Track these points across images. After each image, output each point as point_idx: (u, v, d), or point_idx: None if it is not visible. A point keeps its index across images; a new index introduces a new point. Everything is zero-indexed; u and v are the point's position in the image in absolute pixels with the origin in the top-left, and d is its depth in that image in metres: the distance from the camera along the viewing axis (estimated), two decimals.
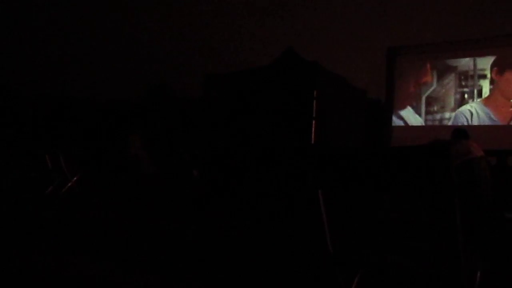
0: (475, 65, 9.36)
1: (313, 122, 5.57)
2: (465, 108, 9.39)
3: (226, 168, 6.28)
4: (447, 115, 9.56)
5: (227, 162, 6.32)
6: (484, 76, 9.30)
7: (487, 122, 9.08)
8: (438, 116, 9.65)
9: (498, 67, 9.11)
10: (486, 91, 9.25)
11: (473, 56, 9.39)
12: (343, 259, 2.28)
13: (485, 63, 9.27)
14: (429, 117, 9.75)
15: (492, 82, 9.18)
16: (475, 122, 9.16)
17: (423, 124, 9.76)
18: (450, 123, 9.36)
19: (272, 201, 5.45)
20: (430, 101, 9.74)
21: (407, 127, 9.88)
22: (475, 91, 9.38)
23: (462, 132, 5.69)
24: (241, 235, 4.56)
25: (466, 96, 9.45)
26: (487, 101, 9.20)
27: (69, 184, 7.33)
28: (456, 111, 9.45)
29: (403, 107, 10.03)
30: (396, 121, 10.06)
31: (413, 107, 9.94)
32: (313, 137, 5.56)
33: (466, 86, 9.47)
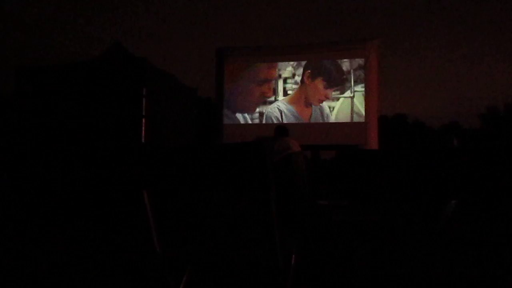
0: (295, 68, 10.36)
1: (143, 120, 5.41)
2: (274, 106, 10.32)
3: (43, 170, 5.65)
4: (265, 113, 10.36)
5: (44, 163, 5.70)
6: (297, 79, 10.33)
7: (292, 119, 10.15)
8: (256, 115, 10.41)
9: (311, 71, 10.26)
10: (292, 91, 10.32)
11: (294, 60, 10.37)
12: (171, 257, 2.26)
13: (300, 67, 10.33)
14: (255, 115, 10.44)
15: (301, 82, 10.25)
16: (285, 119, 10.15)
17: (250, 122, 10.41)
18: (264, 121, 10.21)
19: (97, 202, 5.13)
20: (254, 100, 10.44)
21: (236, 125, 10.40)
22: (281, 91, 10.37)
23: (283, 130, 6.27)
24: (64, 239, 4.18)
25: (278, 95, 10.36)
26: (291, 100, 10.28)
27: None
28: (267, 110, 10.32)
29: (233, 106, 10.53)
30: (227, 119, 10.50)
31: (241, 106, 10.50)
32: (143, 135, 5.39)
33: (286, 85, 10.39)
